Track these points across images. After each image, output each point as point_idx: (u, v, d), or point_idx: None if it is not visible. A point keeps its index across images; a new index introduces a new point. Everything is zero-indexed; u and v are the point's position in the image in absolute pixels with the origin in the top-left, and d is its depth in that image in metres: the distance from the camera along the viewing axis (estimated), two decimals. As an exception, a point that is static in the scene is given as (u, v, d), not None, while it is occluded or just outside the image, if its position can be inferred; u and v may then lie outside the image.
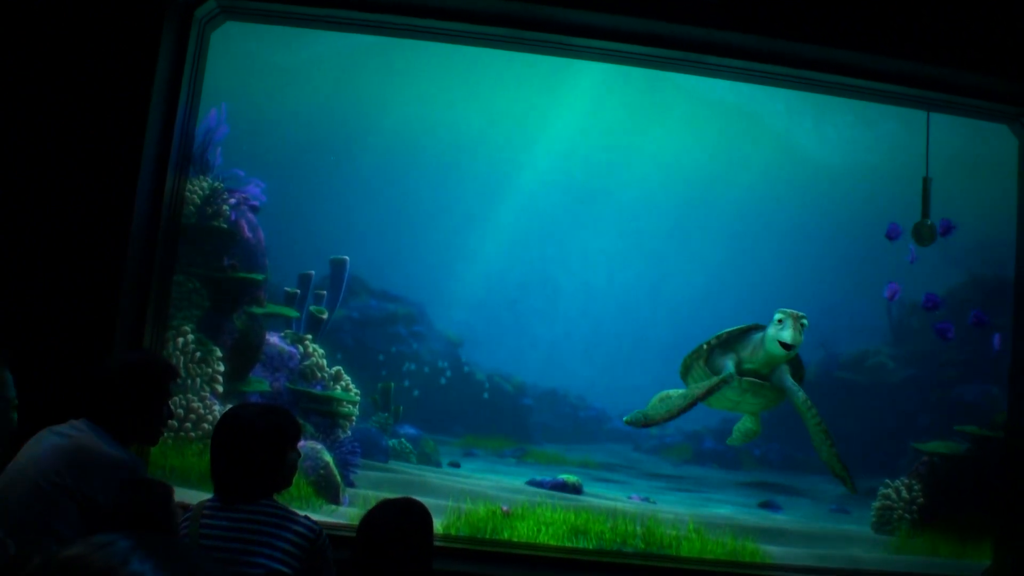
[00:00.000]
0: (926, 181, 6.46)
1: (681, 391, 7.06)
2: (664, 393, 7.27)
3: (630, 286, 16.83)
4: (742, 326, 6.55)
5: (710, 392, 6.40)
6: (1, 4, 4.79)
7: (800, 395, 6.35)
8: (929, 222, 6.55)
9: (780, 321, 6.17)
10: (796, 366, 6.57)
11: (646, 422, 6.55)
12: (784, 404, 6.78)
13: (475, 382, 14.67)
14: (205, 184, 7.03)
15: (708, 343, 6.58)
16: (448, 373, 14.37)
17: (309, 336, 8.09)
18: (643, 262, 16.69)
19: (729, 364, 6.43)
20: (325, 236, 12.76)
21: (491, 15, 5.33)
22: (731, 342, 6.53)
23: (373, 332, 13.74)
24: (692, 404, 6.43)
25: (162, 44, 4.95)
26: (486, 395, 14.59)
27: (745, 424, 7.12)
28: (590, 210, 16.54)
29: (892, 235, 7.50)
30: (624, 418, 6.69)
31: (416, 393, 13.06)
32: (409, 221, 16.10)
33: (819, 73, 5.55)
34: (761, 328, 6.41)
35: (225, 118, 7.22)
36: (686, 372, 6.88)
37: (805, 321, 6.17)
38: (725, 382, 6.36)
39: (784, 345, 6.14)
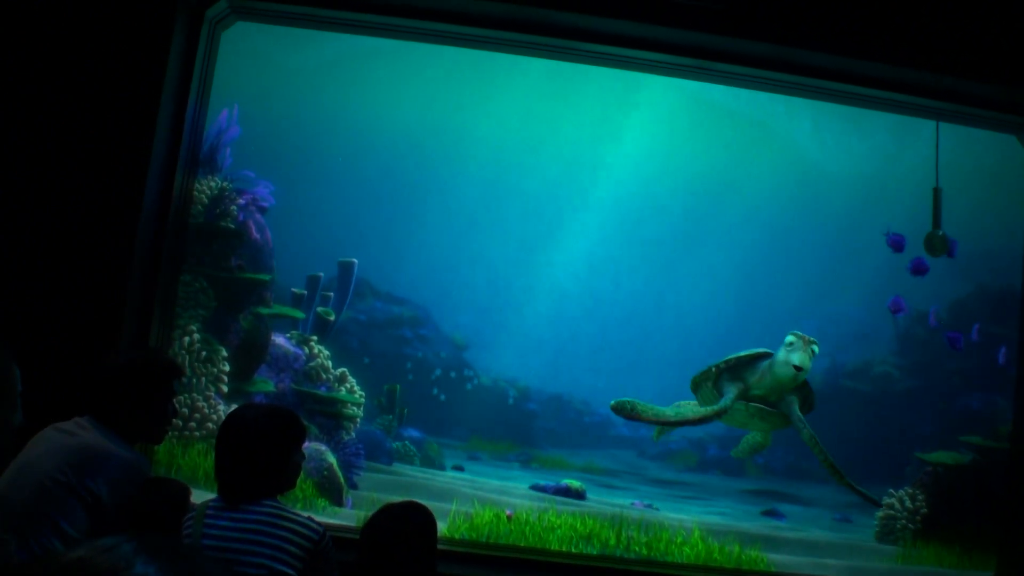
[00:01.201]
0: (936, 192, 6.45)
1: (692, 403, 7.10)
2: (679, 404, 7.32)
3: (636, 292, 16.83)
4: (751, 352, 6.58)
5: (701, 421, 6.49)
6: (11, 4, 4.82)
7: (806, 432, 6.38)
8: (941, 232, 6.54)
9: (791, 344, 6.19)
10: (806, 394, 6.59)
11: (631, 414, 6.49)
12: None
13: (480, 386, 14.67)
14: (214, 184, 7.05)
15: (717, 366, 6.62)
16: (453, 376, 14.36)
17: (315, 337, 8.10)
18: (649, 269, 16.69)
19: (730, 394, 6.47)
20: (332, 238, 12.79)
21: (498, 19, 5.33)
22: (739, 368, 6.56)
23: (379, 334, 13.75)
24: (679, 424, 6.55)
25: (172, 44, 4.96)
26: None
27: (755, 437, 7.14)
28: (597, 216, 16.54)
29: (898, 247, 7.45)
30: (612, 401, 6.64)
31: (422, 395, 13.06)
32: (416, 224, 16.13)
33: (827, 81, 5.55)
34: (769, 356, 6.43)
35: (236, 119, 7.24)
36: (696, 389, 6.93)
37: (816, 348, 6.19)
38: (717, 415, 6.44)
39: (793, 367, 6.16)
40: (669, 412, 6.51)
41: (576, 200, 16.50)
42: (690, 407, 6.97)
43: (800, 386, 6.45)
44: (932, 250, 6.64)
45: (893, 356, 12.75)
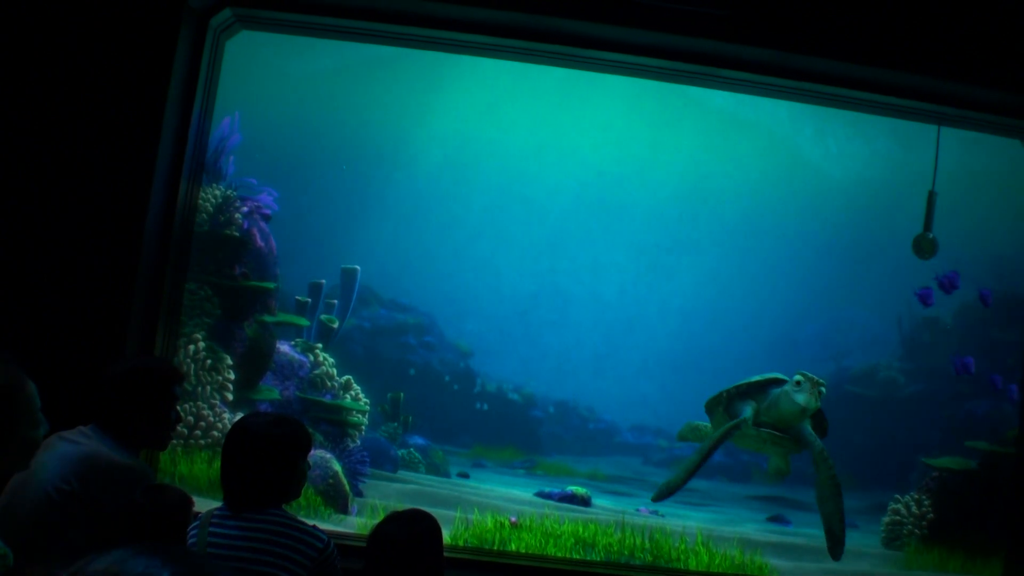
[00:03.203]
0: (931, 195, 6.45)
1: (704, 426, 7.12)
2: (693, 424, 7.34)
3: (640, 298, 16.78)
4: (762, 378, 6.60)
5: (722, 440, 6.48)
6: (18, 13, 4.83)
7: (817, 445, 6.39)
8: (931, 236, 6.54)
9: (798, 383, 6.21)
10: (819, 420, 6.59)
11: (670, 491, 6.54)
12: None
13: (486, 393, 14.64)
14: (218, 192, 7.05)
15: (728, 391, 6.67)
16: (458, 384, 14.35)
17: (319, 345, 8.11)
18: (653, 274, 16.64)
19: (747, 410, 6.49)
20: (336, 245, 12.79)
21: (504, 27, 5.34)
22: (750, 393, 6.59)
23: (383, 342, 13.73)
24: (706, 456, 6.48)
25: (177, 52, 4.98)
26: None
27: (777, 464, 7.16)
28: (601, 221, 16.51)
29: (951, 286, 7.34)
30: (652, 496, 6.72)
31: (426, 403, 13.03)
32: (420, 231, 16.10)
33: (829, 86, 5.55)
34: (780, 382, 6.44)
35: (238, 127, 7.24)
36: (710, 413, 6.95)
37: (823, 389, 6.21)
38: (737, 428, 6.43)
39: (797, 406, 6.20)
40: (692, 457, 6.52)
41: (580, 205, 16.46)
42: (705, 430, 7.00)
43: (815, 414, 6.46)
44: (920, 252, 6.65)
45: (898, 361, 12.71)
